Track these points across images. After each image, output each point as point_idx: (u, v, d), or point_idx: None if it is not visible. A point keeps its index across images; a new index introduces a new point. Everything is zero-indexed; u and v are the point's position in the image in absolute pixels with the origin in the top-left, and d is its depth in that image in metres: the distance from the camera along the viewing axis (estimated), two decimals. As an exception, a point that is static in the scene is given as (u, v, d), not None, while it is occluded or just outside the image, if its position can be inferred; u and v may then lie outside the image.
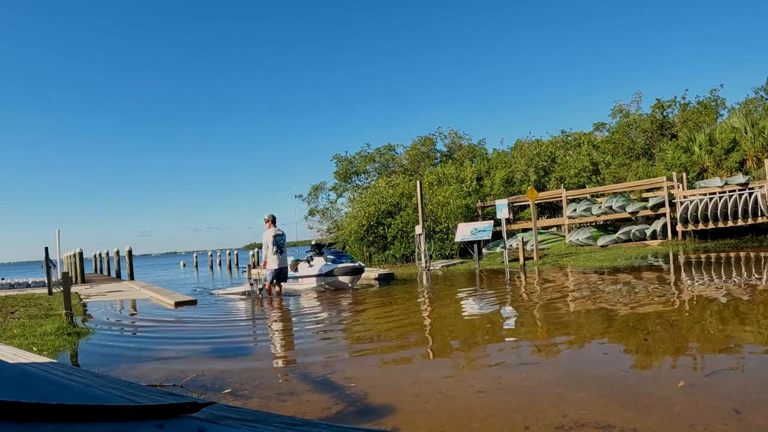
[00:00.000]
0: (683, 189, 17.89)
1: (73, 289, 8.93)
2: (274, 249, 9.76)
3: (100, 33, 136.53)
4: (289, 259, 11.07)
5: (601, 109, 50.57)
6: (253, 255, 28.79)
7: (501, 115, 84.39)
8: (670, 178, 17.90)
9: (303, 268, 12.08)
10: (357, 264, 11.49)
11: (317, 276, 11.58)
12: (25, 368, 0.99)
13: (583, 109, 75.50)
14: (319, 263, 11.69)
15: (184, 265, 39.38)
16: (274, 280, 9.89)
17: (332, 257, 11.60)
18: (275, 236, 9.82)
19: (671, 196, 17.18)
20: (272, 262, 9.78)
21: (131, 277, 21.31)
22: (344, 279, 11.31)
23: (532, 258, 15.26)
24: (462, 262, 16.87)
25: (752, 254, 12.22)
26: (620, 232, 17.72)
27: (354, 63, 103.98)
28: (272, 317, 7.91)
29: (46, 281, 12.15)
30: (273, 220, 9.97)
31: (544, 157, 24.17)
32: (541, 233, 19.05)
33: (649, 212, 17.90)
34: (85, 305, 10.09)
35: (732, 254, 12.63)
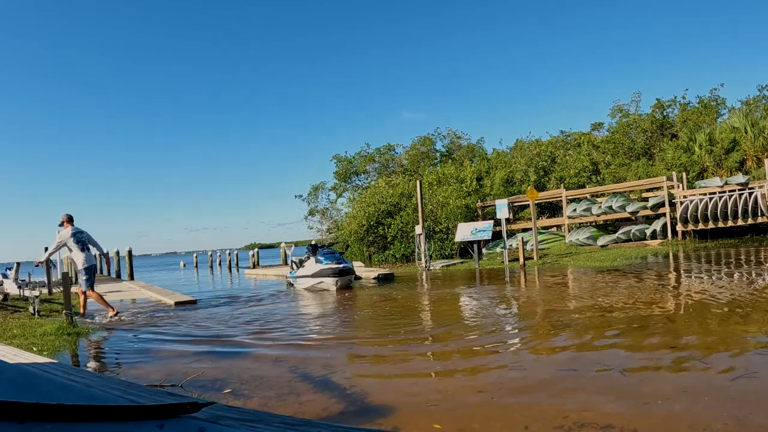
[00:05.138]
0: (683, 189, 17.89)
1: (73, 289, 8.89)
2: (79, 246, 8.41)
3: (94, 24, 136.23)
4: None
5: (600, 109, 50.55)
6: (253, 255, 28.79)
7: (499, 115, 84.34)
8: (670, 178, 17.90)
9: (298, 269, 12.16)
10: (342, 266, 11.36)
11: (308, 277, 11.60)
12: (25, 368, 0.99)
13: (582, 109, 75.44)
14: (310, 264, 11.72)
15: (184, 265, 39.38)
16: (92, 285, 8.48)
17: (321, 258, 11.61)
18: (74, 234, 8.45)
19: (671, 196, 17.18)
20: (81, 261, 8.40)
21: (131, 277, 21.32)
22: (328, 281, 11.29)
23: (532, 258, 15.26)
24: (462, 262, 16.86)
25: (753, 254, 12.22)
26: (620, 232, 17.72)
27: (352, 61, 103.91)
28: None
29: (46, 281, 12.16)
30: (70, 220, 8.58)
31: (544, 157, 24.17)
32: (541, 233, 19.05)
33: (649, 212, 17.90)
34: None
35: (732, 253, 12.63)
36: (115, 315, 8.28)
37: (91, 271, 8.52)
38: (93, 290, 8.46)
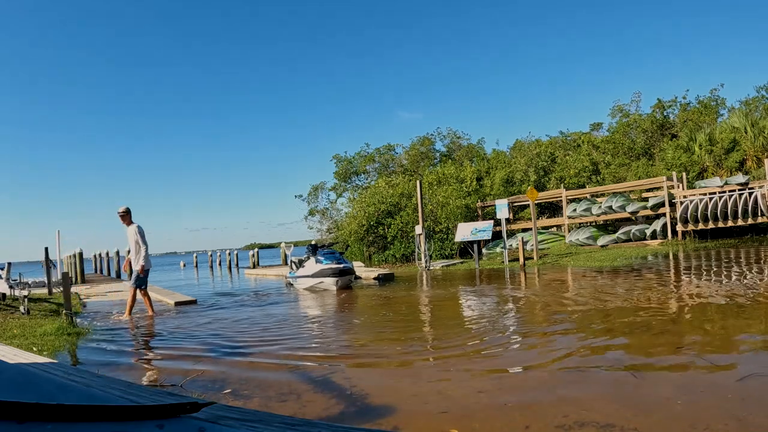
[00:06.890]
0: (683, 189, 17.90)
1: (73, 289, 8.88)
2: (146, 246, 8.35)
3: (94, 25, 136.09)
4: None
5: (600, 109, 50.54)
6: (253, 255, 28.79)
7: (498, 115, 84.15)
8: (670, 178, 17.91)
9: (298, 269, 12.18)
10: (342, 266, 11.36)
11: (308, 277, 11.60)
12: (25, 368, 0.99)
13: (582, 109, 75.41)
14: (310, 264, 11.73)
15: (184, 265, 39.37)
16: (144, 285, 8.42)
17: (321, 258, 11.61)
18: (143, 231, 8.41)
19: (671, 196, 17.18)
20: (147, 261, 8.35)
21: (131, 277, 21.31)
22: (328, 281, 11.29)
23: (532, 258, 15.25)
24: (462, 262, 16.86)
25: (752, 254, 12.22)
26: (620, 231, 17.72)
27: (351, 61, 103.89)
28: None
29: (46, 281, 12.16)
30: (129, 214, 8.46)
31: (544, 157, 24.19)
32: (541, 233, 19.05)
33: (649, 212, 17.91)
34: (85, 305, 10.11)
35: (733, 253, 12.62)
36: (125, 317, 8.23)
37: (147, 273, 8.42)
38: (139, 291, 8.31)
